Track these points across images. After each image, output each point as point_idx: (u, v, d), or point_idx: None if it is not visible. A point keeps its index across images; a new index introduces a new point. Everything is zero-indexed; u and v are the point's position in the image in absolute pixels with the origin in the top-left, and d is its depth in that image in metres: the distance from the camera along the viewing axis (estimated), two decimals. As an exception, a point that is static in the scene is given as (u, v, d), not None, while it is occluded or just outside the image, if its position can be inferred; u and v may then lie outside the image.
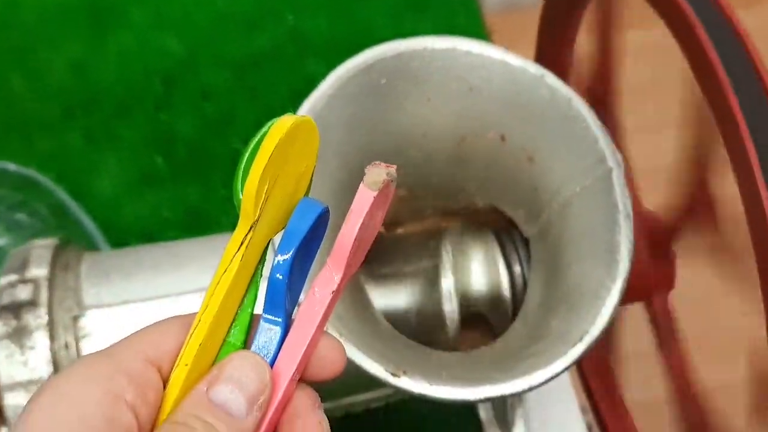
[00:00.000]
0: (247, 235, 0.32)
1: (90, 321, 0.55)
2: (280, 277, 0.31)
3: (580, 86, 0.65)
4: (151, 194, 0.85)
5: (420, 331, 0.58)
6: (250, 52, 0.93)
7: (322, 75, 0.80)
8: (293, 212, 0.32)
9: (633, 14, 0.63)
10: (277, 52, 0.92)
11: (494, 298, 0.59)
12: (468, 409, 0.75)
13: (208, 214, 0.84)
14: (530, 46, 0.74)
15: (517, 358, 0.49)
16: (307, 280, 0.33)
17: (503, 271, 0.59)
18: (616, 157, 0.52)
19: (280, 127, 0.31)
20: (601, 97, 0.64)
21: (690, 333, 0.67)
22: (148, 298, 0.56)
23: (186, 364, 0.30)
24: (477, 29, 0.93)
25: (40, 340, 0.54)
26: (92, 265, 0.58)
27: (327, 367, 0.32)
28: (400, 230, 0.64)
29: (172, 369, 0.30)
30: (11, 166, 0.82)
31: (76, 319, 0.55)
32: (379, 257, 0.59)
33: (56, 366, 0.53)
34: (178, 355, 0.31)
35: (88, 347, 0.55)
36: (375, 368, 0.46)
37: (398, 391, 0.60)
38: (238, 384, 0.30)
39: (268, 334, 0.32)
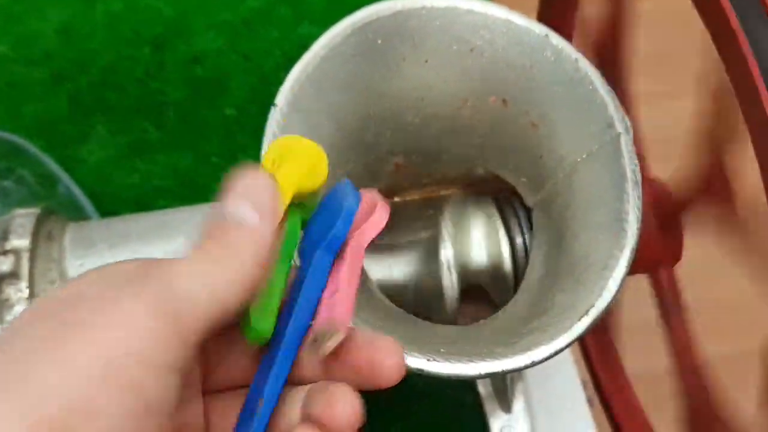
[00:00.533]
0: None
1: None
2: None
3: (585, 49, 0.63)
4: (141, 162, 0.82)
5: (418, 304, 0.56)
6: (243, 16, 0.90)
7: (317, 39, 0.77)
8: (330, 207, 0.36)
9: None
10: (270, 15, 0.89)
11: (495, 270, 0.57)
12: (466, 382, 0.73)
13: (201, 182, 0.81)
14: (532, 9, 0.71)
15: (520, 333, 0.46)
16: None
17: (504, 242, 0.57)
18: (625, 122, 0.49)
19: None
20: (609, 60, 0.61)
21: (694, 306, 0.65)
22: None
23: None
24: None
25: (19, 302, 0.52)
26: (77, 235, 0.56)
27: (386, 374, 0.33)
28: (396, 199, 0.62)
29: None
30: (-5, 132, 0.80)
31: (63, 276, 0.53)
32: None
33: (38, 340, 0.51)
34: None
35: (72, 321, 0.52)
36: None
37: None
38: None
39: None
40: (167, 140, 0.84)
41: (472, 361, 0.43)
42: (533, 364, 0.44)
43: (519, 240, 0.57)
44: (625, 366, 0.77)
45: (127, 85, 0.86)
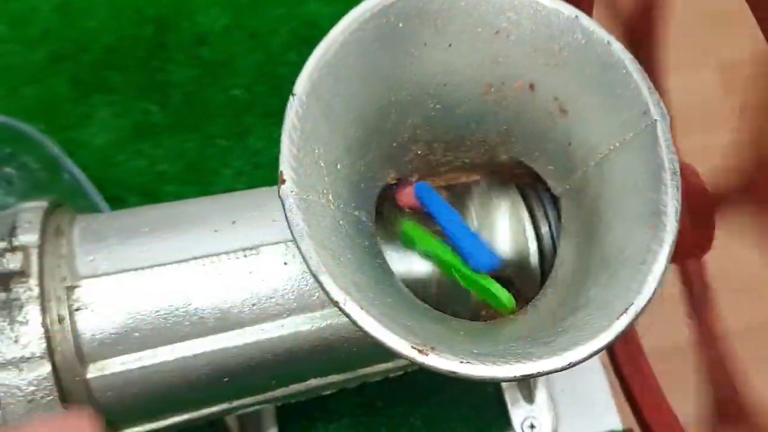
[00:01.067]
0: None
1: (85, 292, 0.51)
2: None
3: (614, 29, 0.60)
4: (146, 146, 0.80)
5: (441, 298, 0.54)
6: (249, -7, 0.87)
7: (325, 17, 0.74)
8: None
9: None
10: (277, -8, 0.87)
11: (521, 261, 0.55)
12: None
13: (208, 166, 0.79)
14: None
15: (554, 331, 0.44)
16: None
17: (530, 231, 0.55)
18: (661, 108, 0.47)
19: None
20: (641, 41, 0.58)
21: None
22: (148, 266, 0.52)
23: None
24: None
25: (32, 314, 0.49)
26: (86, 229, 0.54)
27: None
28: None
29: None
30: (-3, 117, 0.77)
31: (70, 290, 0.51)
32: (397, 218, 0.54)
33: (49, 342, 0.49)
34: None
35: (83, 320, 0.50)
36: (400, 345, 0.42)
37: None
38: None
39: None
40: (172, 122, 0.81)
41: (508, 363, 0.42)
42: (570, 366, 0.42)
43: (545, 230, 0.54)
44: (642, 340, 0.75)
45: (130, 65, 0.84)
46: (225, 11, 0.85)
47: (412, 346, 0.42)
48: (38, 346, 0.49)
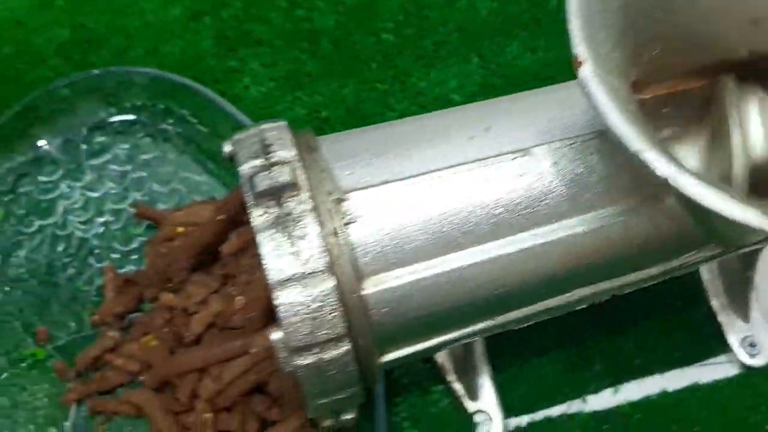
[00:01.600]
0: None
1: (353, 205, 0.48)
2: None
3: None
4: (303, 95, 0.77)
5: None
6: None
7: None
8: None
9: None
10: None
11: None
12: (698, 292, 0.69)
13: (370, 110, 0.76)
14: None
15: None
16: None
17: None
18: None
19: None
20: None
21: None
22: (412, 176, 0.49)
23: None
24: None
25: (309, 227, 0.46)
26: (333, 146, 0.51)
27: None
28: (646, 94, 0.57)
29: None
30: (150, 71, 0.74)
31: (338, 202, 0.48)
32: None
33: (331, 256, 0.46)
34: None
35: (355, 234, 0.48)
36: (748, 215, 0.39)
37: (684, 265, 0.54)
38: None
39: None
40: (325, 69, 0.78)
41: None
42: None
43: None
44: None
45: (272, 16, 0.81)
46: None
47: (762, 213, 0.40)
48: (320, 261, 0.46)
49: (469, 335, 0.53)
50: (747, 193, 0.51)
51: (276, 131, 0.50)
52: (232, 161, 0.51)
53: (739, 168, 0.51)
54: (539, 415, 0.65)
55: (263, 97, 0.77)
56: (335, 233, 0.47)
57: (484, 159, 0.50)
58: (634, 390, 0.66)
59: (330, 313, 0.46)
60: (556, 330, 0.67)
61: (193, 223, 0.63)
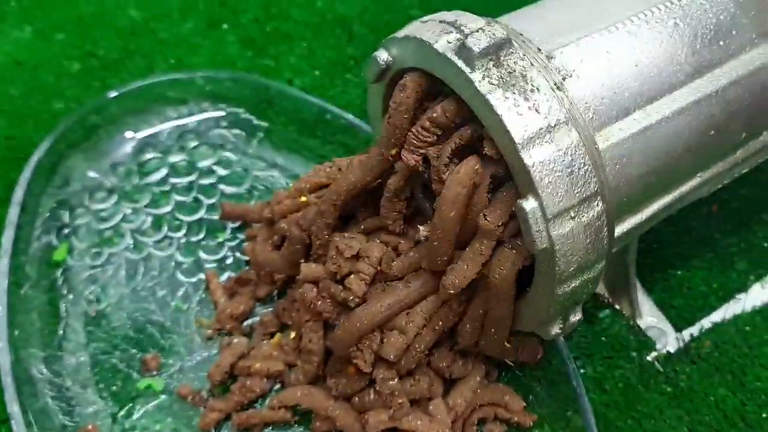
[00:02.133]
0: None
1: (562, 60, 0.45)
2: None
3: None
4: (353, 76, 0.74)
5: None
6: None
7: None
8: None
9: None
10: None
11: None
12: None
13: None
14: None
15: None
16: None
17: None
18: None
19: None
20: None
21: None
22: (605, 27, 0.46)
23: None
24: None
25: (538, 79, 0.42)
26: (512, 20, 0.48)
27: None
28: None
29: None
30: (187, 75, 0.68)
31: (549, 59, 0.44)
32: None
33: (566, 108, 0.42)
34: None
35: (573, 88, 0.44)
36: None
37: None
38: None
39: None
40: (367, 50, 0.75)
41: None
42: None
43: None
44: None
45: (293, 12, 0.78)
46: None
47: None
48: (561, 112, 0.42)
49: (681, 198, 0.49)
50: None
51: (449, 15, 0.46)
52: (382, 75, 0.47)
53: None
54: (705, 323, 0.61)
55: (311, 87, 0.73)
56: (558, 87, 0.43)
57: (667, 0, 0.48)
58: (782, 279, 0.64)
59: (582, 168, 0.42)
60: (692, 239, 0.65)
61: (323, 181, 0.57)
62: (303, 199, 0.57)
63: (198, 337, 0.59)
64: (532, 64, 0.43)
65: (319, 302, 0.53)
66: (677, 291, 0.63)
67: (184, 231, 0.64)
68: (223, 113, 0.69)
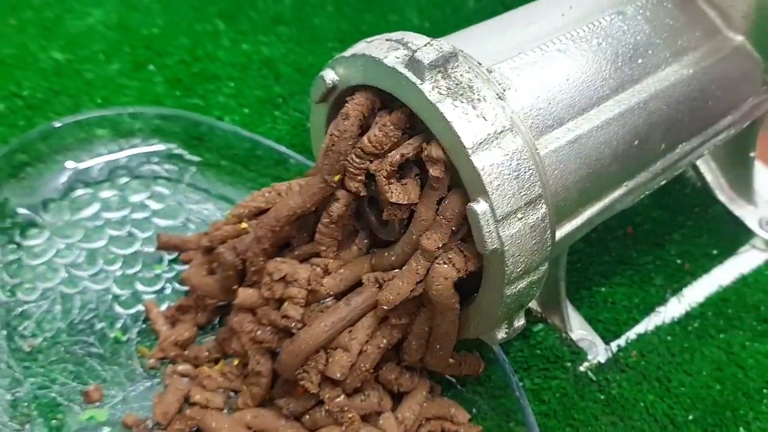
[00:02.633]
0: None
1: (501, 74, 0.48)
2: None
3: None
4: (281, 114, 0.75)
5: None
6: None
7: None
8: None
9: None
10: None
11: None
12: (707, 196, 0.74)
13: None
14: None
15: None
16: None
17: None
18: None
19: None
20: None
21: None
22: (537, 45, 0.50)
23: None
24: None
25: (484, 90, 0.45)
26: (450, 40, 0.50)
27: None
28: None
29: None
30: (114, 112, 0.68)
31: (489, 72, 0.47)
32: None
33: (510, 116, 0.45)
34: None
35: (512, 99, 0.47)
36: None
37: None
38: None
39: None
40: (294, 89, 0.77)
41: None
42: None
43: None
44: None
45: (220, 54, 0.79)
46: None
47: None
48: (505, 120, 0.45)
49: (610, 205, 0.53)
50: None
51: (394, 35, 0.49)
52: (328, 95, 0.49)
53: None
54: (630, 334, 0.65)
55: (241, 124, 0.74)
56: (501, 97, 0.46)
57: (589, 23, 0.52)
58: (696, 293, 0.68)
59: (527, 172, 0.45)
60: (612, 259, 0.69)
61: (261, 206, 0.58)
62: (243, 225, 0.58)
63: (140, 367, 0.58)
64: (476, 76, 0.46)
65: (259, 332, 0.54)
66: (602, 306, 0.66)
67: (119, 264, 0.64)
68: (154, 149, 0.69)
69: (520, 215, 0.45)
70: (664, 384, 0.62)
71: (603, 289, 0.68)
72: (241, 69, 0.78)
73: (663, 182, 0.57)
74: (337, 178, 0.51)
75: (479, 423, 0.57)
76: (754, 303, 0.68)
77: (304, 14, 0.85)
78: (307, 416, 0.54)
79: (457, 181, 0.46)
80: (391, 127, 0.47)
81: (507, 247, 0.45)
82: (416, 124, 0.47)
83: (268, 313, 0.54)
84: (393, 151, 0.48)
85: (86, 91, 0.74)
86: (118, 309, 0.61)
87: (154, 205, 0.67)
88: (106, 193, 0.67)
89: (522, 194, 0.44)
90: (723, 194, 0.74)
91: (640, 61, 0.52)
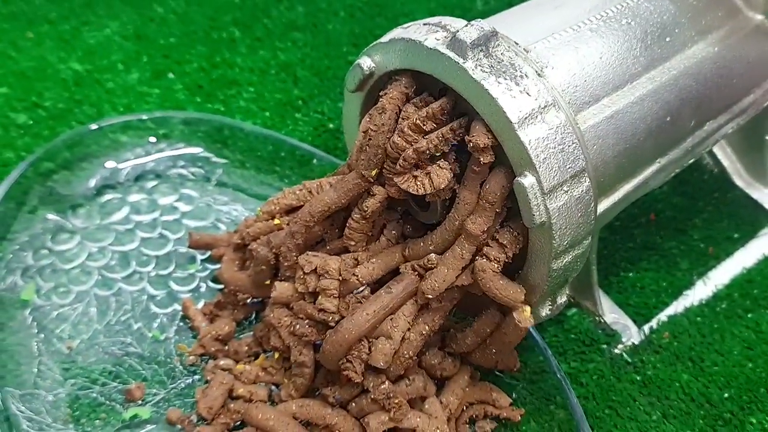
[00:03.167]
0: None
1: (538, 54, 0.49)
2: None
3: None
4: (302, 116, 0.76)
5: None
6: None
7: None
8: None
9: None
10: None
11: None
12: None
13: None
14: None
15: None
16: None
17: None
18: None
19: None
20: None
21: None
22: (571, 26, 0.51)
23: None
24: None
25: (525, 67, 0.46)
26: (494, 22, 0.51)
27: None
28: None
29: None
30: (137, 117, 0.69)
31: (527, 51, 0.48)
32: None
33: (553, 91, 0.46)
34: None
35: (552, 76, 0.48)
36: None
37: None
38: None
39: None
40: (313, 91, 0.78)
41: None
42: None
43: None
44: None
45: (237, 60, 0.80)
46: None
47: None
48: (548, 95, 0.46)
49: (644, 182, 0.54)
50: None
51: (431, 19, 0.50)
52: (364, 83, 0.50)
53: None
54: (661, 317, 0.65)
55: (263, 127, 0.74)
56: (540, 75, 0.47)
57: (617, 3, 0.53)
58: (721, 276, 0.69)
59: (571, 145, 0.46)
60: (637, 245, 0.70)
61: (293, 203, 0.58)
62: (276, 221, 0.58)
63: (180, 365, 0.58)
64: (516, 54, 0.47)
65: (298, 326, 0.54)
66: (631, 291, 0.67)
67: (153, 265, 0.64)
68: (180, 152, 0.70)
69: (566, 188, 0.45)
70: (698, 364, 0.62)
71: (631, 274, 0.68)
72: (259, 74, 0.79)
73: (691, 161, 0.58)
74: (374, 172, 0.51)
75: (520, 407, 0.57)
76: (780, 284, 0.69)
77: (317, 20, 0.86)
78: (353, 403, 0.54)
79: (497, 162, 0.46)
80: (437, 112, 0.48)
81: (554, 220, 0.45)
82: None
83: (304, 306, 0.54)
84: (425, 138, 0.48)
85: (108, 99, 0.75)
86: (155, 309, 0.61)
87: (184, 207, 0.67)
88: (135, 197, 0.68)
89: (567, 167, 0.45)
90: (740, 179, 0.75)
91: (668, 39, 0.53)
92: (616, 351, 0.63)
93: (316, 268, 0.53)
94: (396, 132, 0.49)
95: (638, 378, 0.61)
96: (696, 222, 0.73)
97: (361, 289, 0.53)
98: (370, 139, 0.50)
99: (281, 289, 0.55)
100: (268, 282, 0.58)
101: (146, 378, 0.57)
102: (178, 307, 0.61)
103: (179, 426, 0.55)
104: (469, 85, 0.45)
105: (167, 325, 0.61)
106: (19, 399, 0.54)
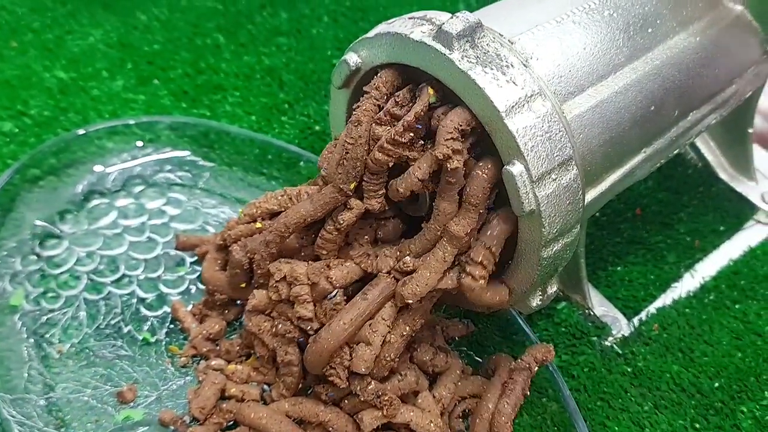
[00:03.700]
0: None
1: (522, 45, 0.49)
2: None
3: None
4: (288, 119, 0.76)
5: None
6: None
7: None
8: None
9: None
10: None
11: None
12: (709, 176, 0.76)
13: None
14: None
15: None
16: None
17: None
18: None
19: None
20: None
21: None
22: (554, 19, 0.52)
23: None
24: None
25: (511, 57, 0.47)
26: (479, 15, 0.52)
27: None
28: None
29: None
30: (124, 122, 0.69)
31: (511, 43, 0.49)
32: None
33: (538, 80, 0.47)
34: None
35: (537, 67, 0.48)
36: None
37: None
38: None
39: None
40: (299, 95, 0.78)
41: None
42: None
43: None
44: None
45: (222, 66, 0.80)
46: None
47: None
48: (534, 84, 0.46)
49: (630, 172, 0.54)
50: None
51: (416, 14, 0.50)
52: (350, 79, 0.50)
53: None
54: (650, 309, 0.66)
55: (251, 130, 0.74)
56: (526, 65, 0.48)
57: (601, -2, 0.54)
58: (708, 268, 0.70)
59: (557, 133, 0.46)
60: (624, 240, 0.70)
61: (274, 208, 0.57)
62: (258, 225, 0.58)
63: (171, 366, 0.58)
64: (501, 45, 0.47)
65: (279, 325, 0.54)
66: (620, 285, 0.68)
67: (142, 268, 0.64)
68: (166, 156, 0.70)
69: (554, 176, 0.46)
70: (687, 354, 0.63)
71: (619, 268, 0.69)
72: (244, 79, 0.79)
73: (675, 152, 0.59)
74: (352, 186, 0.51)
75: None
76: (764, 273, 0.69)
77: (301, 26, 0.86)
78: (347, 400, 0.54)
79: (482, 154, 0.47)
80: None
81: (543, 208, 0.46)
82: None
83: (284, 310, 0.54)
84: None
85: (93, 107, 0.75)
86: (145, 311, 0.61)
87: (172, 211, 0.67)
88: (123, 202, 0.67)
89: (555, 155, 0.46)
90: (724, 173, 0.76)
91: (650, 30, 0.53)
92: (607, 343, 0.63)
93: (285, 276, 0.53)
94: (376, 148, 0.49)
95: (629, 369, 0.62)
96: (682, 216, 0.73)
97: (333, 293, 0.53)
98: (347, 152, 0.50)
99: (259, 296, 0.55)
100: (243, 285, 0.58)
101: (138, 380, 0.57)
102: (168, 309, 0.61)
103: (172, 427, 0.54)
104: (456, 75, 0.46)
105: (158, 328, 0.60)
106: (10, 404, 0.54)
